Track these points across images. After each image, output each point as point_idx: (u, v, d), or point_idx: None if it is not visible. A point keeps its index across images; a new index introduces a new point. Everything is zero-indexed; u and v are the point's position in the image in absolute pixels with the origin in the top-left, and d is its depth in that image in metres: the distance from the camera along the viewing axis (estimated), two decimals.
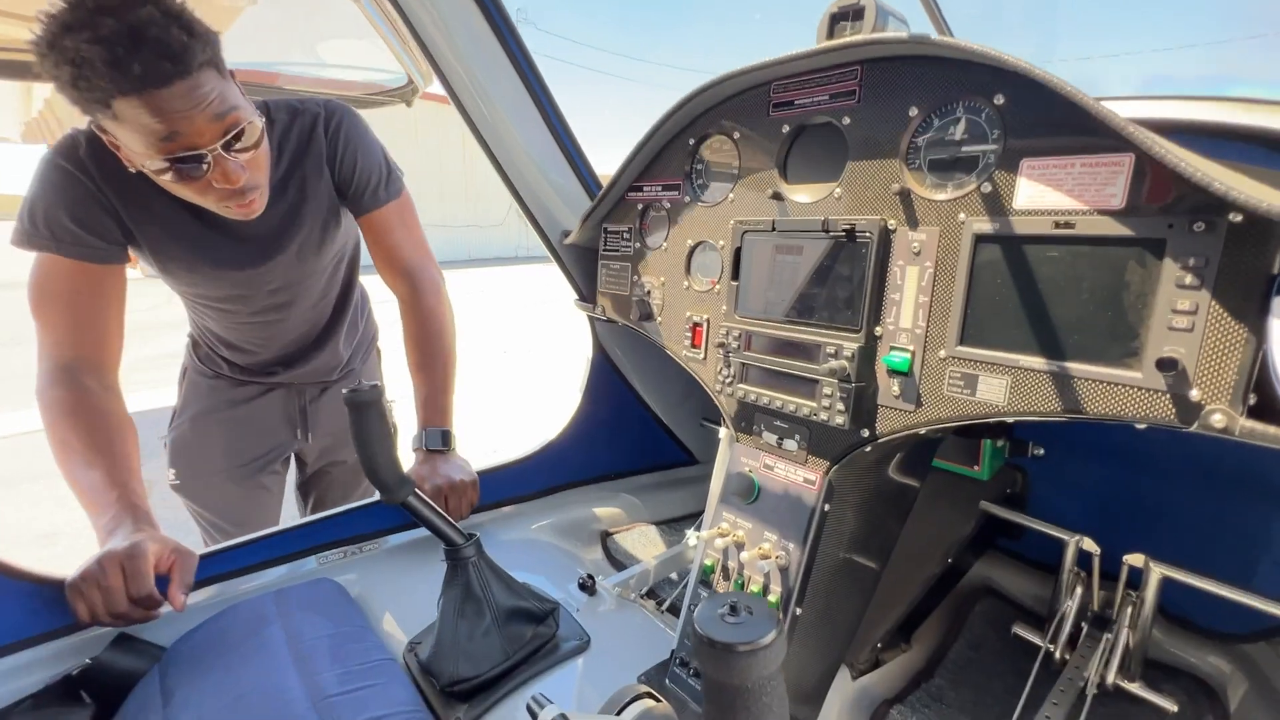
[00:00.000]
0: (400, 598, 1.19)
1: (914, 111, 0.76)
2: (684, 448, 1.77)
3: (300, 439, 1.51)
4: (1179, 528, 1.18)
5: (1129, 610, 1.04)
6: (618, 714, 0.71)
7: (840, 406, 0.82)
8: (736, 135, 0.97)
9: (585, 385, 1.56)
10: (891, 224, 0.78)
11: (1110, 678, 1.03)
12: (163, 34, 0.78)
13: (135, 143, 0.85)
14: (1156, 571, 0.99)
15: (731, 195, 0.99)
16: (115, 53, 0.75)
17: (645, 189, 1.14)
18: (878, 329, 0.81)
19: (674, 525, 1.62)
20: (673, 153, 1.09)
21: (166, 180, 0.92)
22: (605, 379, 1.59)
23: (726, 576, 0.95)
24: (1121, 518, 1.25)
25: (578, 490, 1.59)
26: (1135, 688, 1.03)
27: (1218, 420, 0.56)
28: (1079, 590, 1.09)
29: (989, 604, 1.31)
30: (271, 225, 1.15)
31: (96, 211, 1.02)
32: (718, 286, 1.02)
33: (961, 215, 0.72)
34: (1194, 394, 0.57)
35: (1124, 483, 1.24)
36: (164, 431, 1.49)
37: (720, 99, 0.98)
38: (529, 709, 0.71)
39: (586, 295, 1.43)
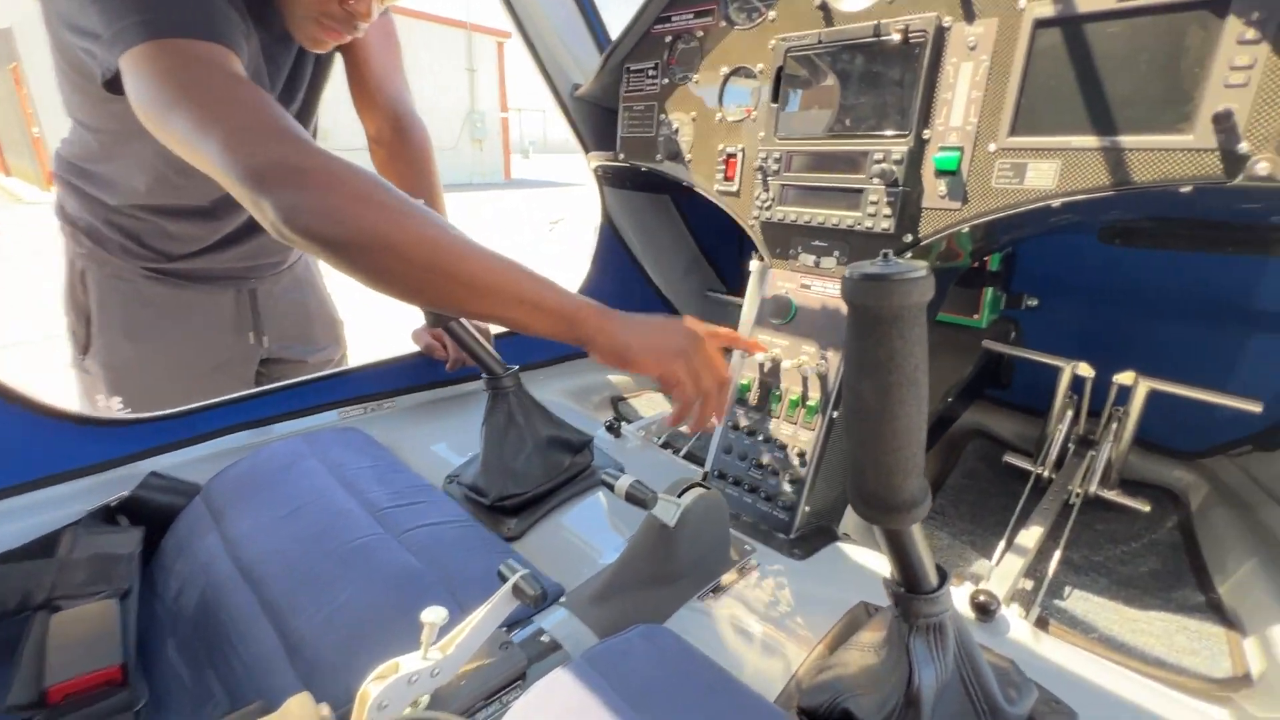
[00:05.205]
0: (427, 447, 1.20)
1: None
2: None
3: (255, 341, 1.29)
4: (1161, 355, 1.30)
5: (1113, 427, 1.15)
6: (679, 495, 0.76)
7: (886, 211, 0.85)
8: None
9: (594, 254, 1.56)
10: (947, 20, 0.79)
11: (1092, 488, 1.14)
12: None
13: None
14: (1144, 386, 1.09)
15: (772, 14, 0.97)
16: None
17: (674, 19, 1.11)
18: (926, 132, 0.83)
19: None
20: None
21: None
22: (611, 249, 1.59)
23: (764, 391, 0.99)
24: (1112, 348, 1.35)
25: (587, 360, 1.61)
26: (1113, 495, 1.15)
27: (1263, 168, 0.61)
28: (1069, 415, 1.19)
29: (980, 443, 1.42)
30: (311, 59, 1.04)
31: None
32: (754, 114, 1.02)
33: (1022, 2, 0.73)
34: (1243, 146, 0.62)
35: (1113, 322, 1.35)
36: (71, 355, 1.17)
37: None
38: (603, 480, 0.75)
39: (596, 148, 1.40)
